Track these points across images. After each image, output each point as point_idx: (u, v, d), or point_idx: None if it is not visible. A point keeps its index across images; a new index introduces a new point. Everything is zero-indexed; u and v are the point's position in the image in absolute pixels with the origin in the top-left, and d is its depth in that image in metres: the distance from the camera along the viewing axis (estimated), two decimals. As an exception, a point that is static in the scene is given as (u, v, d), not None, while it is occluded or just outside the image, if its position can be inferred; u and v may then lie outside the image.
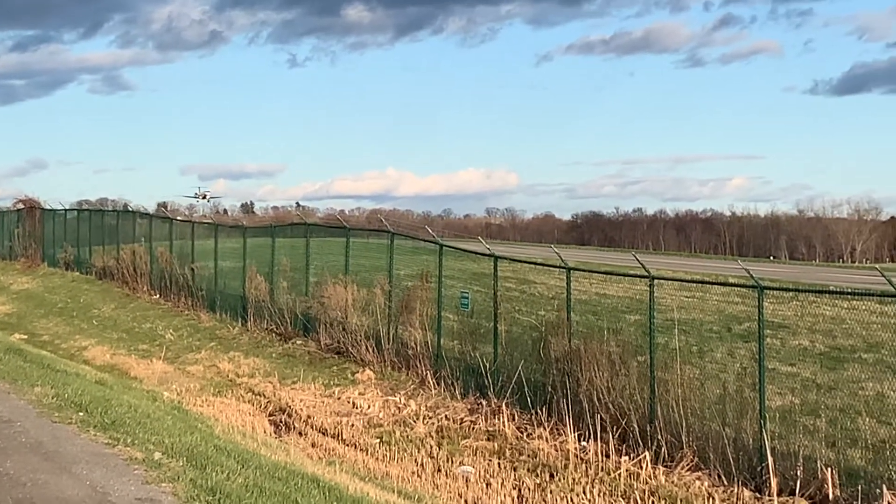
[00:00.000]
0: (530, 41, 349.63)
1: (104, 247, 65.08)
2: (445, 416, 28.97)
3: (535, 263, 36.76)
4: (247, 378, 35.48)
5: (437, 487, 22.23)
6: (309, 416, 29.28)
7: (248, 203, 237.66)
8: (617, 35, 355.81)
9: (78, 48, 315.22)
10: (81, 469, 13.37)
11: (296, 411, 29.82)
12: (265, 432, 26.56)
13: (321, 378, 35.08)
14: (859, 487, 20.19)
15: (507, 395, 29.13)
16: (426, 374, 33.59)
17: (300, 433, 27.64)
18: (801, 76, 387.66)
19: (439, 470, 23.86)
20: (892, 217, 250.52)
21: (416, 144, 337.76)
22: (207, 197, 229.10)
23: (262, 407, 30.73)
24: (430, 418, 28.78)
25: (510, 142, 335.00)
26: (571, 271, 30.10)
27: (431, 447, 25.89)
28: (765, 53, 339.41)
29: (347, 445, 26.41)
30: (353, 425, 28.25)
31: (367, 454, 25.34)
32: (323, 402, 31.29)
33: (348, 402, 31.36)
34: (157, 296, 55.78)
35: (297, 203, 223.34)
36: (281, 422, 28.92)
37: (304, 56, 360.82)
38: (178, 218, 73.48)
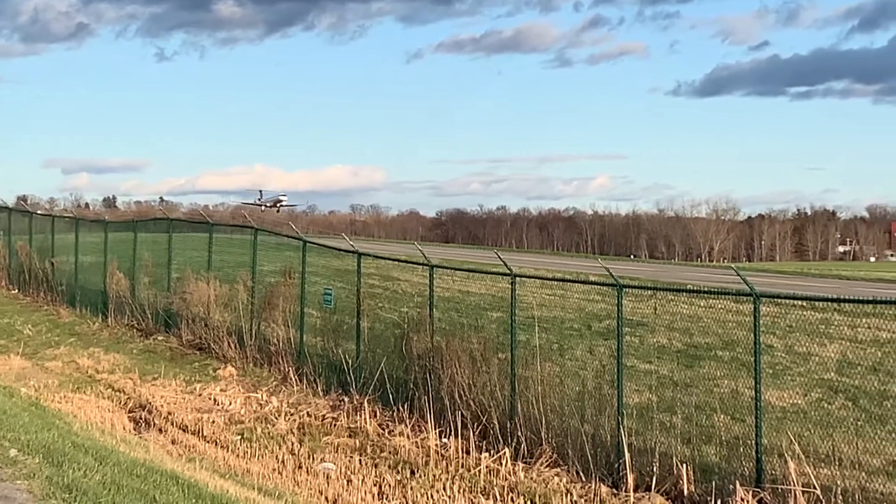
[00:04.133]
0: (401, 39, 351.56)
1: (-40, 240, 63.89)
2: (307, 412, 28.94)
3: (399, 260, 36.87)
4: (107, 374, 35.07)
5: (298, 484, 22.21)
6: (169, 413, 29.05)
7: (111, 197, 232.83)
8: (487, 34, 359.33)
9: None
10: (-66, 467, 13.18)
11: (156, 408, 29.56)
12: (125, 429, 26.32)
13: (182, 374, 34.83)
14: (713, 483, 20.56)
15: (370, 391, 29.19)
16: (288, 370, 33.52)
17: (160, 430, 27.42)
18: (666, 77, 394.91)
19: (300, 467, 23.83)
20: (750, 217, 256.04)
21: (284, 140, 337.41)
22: (279, 207, 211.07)
23: (122, 403, 30.41)
24: (292, 415, 28.74)
25: (378, 139, 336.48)
26: (435, 269, 30.24)
27: (293, 444, 25.85)
28: (631, 54, 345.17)
29: (208, 442, 26.26)
30: (214, 422, 28.10)
31: (227, 451, 25.21)
32: (184, 399, 31.07)
33: (210, 399, 31.18)
34: (16, 290, 54.94)
35: (161, 198, 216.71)
36: (141, 418, 28.65)
37: (173, 50, 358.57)
38: (39, 212, 72.47)
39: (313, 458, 24.53)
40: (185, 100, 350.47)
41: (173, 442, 26.05)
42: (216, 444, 26.09)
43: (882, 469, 20.18)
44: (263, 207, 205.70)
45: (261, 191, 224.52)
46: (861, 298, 23.01)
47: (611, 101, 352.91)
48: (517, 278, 26.89)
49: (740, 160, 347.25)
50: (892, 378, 24.74)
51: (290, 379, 32.90)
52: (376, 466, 23.82)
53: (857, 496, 18.80)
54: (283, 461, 24.32)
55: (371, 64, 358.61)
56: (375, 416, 28.03)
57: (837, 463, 19.61)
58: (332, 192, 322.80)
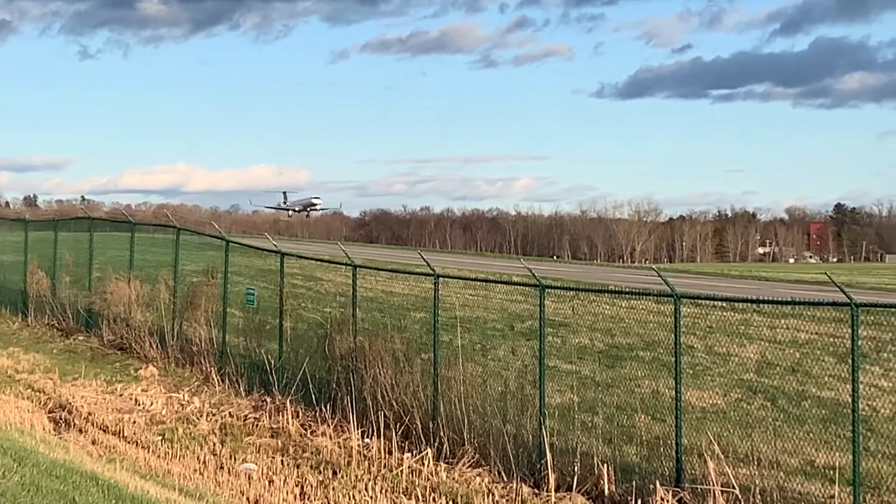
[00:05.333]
0: (327, 39, 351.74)
1: None
2: (229, 413, 28.82)
3: (322, 260, 36.84)
4: (26, 374, 34.73)
5: (220, 485, 22.12)
6: (90, 413, 28.82)
7: (32, 196, 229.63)
8: (413, 34, 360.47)
9: None
10: None
11: (76, 408, 29.32)
12: (44, 429, 26.08)
13: (103, 374, 34.57)
14: (634, 483, 20.70)
15: (292, 392, 29.11)
16: (210, 370, 33.38)
17: (80, 430, 27.20)
18: (590, 79, 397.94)
19: (222, 467, 23.73)
20: (671, 219, 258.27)
21: (208, 139, 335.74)
22: (308, 212, 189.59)
23: (42, 403, 30.13)
24: (214, 415, 28.61)
25: (303, 138, 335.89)
26: (358, 269, 30.23)
27: (214, 444, 25.74)
28: (556, 56, 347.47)
29: (129, 443, 26.09)
30: (135, 422, 27.92)
31: (148, 452, 25.06)
32: (105, 399, 30.85)
33: (131, 399, 30.98)
34: (-67, 290, 54.29)
35: (83, 197, 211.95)
36: (61, 419, 28.40)
37: (97, 48, 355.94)
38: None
39: (235, 459, 24.44)
40: (108, 98, 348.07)
41: (94, 442, 25.86)
42: (137, 444, 25.93)
43: (800, 469, 20.44)
44: (290, 213, 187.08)
45: (285, 192, 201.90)
46: (780, 299, 23.25)
47: (535, 102, 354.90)
48: (440, 279, 26.94)
49: (662, 162, 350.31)
50: (810, 378, 25.07)
51: (213, 379, 32.76)
52: (298, 467, 23.77)
53: (775, 496, 19.01)
54: (204, 462, 24.21)
55: (296, 63, 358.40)
56: (298, 416, 27.97)
57: (756, 463, 19.79)
58: (257, 192, 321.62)
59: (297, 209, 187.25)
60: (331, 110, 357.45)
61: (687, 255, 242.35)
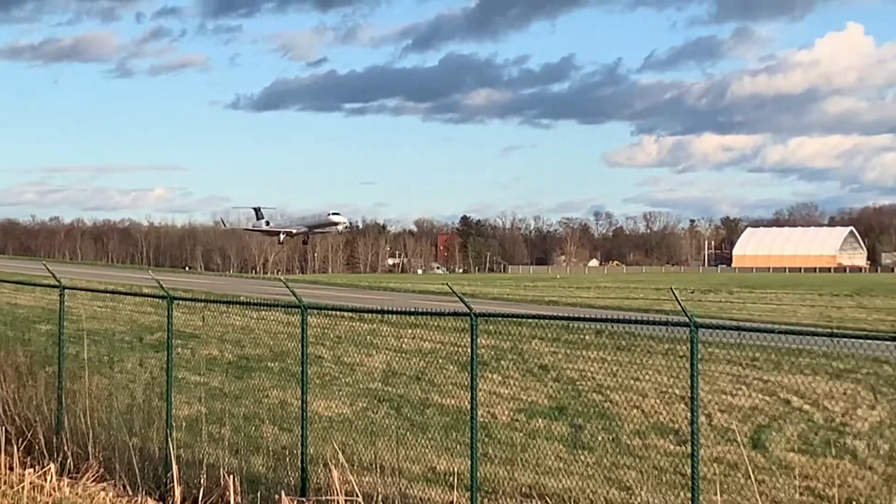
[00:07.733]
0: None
1: None
2: None
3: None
4: None
5: None
6: None
7: None
8: (46, 41, 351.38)
9: None
10: None
11: None
12: None
13: None
14: (260, 493, 20.82)
15: None
16: None
17: None
18: (226, 90, 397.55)
19: None
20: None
21: None
22: (306, 236, 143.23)
23: None
24: None
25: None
26: (-22, 281, 29.40)
27: None
28: (193, 67, 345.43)
29: None
30: None
31: None
32: None
33: None
34: None
35: None
36: None
37: None
38: None
39: None
40: None
41: None
42: None
43: (422, 475, 21.01)
44: (283, 236, 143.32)
45: (257, 209, 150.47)
46: (405, 310, 23.87)
47: (171, 112, 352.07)
48: (66, 290, 26.46)
49: (298, 173, 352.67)
50: (433, 387, 25.83)
51: None
52: (-89, 487, 22.91)
53: (397, 502, 19.47)
54: None
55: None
56: (-88, 434, 26.93)
57: (380, 471, 20.22)
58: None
59: (293, 231, 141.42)
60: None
61: (319, 266, 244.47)
